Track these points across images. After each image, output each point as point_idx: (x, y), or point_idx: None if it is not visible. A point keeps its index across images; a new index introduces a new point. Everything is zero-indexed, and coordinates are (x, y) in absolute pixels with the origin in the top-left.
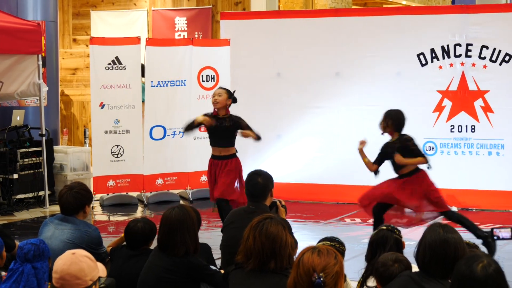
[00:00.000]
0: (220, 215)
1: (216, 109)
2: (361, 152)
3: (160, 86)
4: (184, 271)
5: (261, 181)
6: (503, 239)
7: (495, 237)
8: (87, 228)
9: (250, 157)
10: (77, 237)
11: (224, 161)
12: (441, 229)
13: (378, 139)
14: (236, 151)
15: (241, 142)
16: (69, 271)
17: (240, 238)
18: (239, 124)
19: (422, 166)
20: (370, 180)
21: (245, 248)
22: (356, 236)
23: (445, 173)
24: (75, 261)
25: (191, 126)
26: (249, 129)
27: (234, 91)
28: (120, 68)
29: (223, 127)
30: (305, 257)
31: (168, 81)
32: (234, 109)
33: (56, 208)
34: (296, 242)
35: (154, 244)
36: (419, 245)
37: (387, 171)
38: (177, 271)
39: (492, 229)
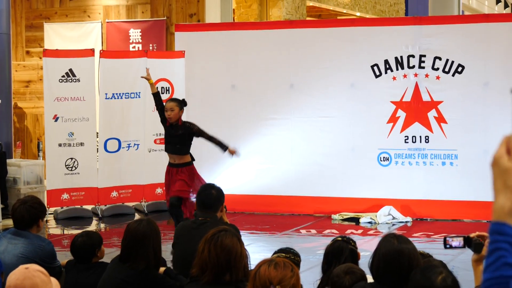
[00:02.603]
0: (172, 217)
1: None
2: None
3: (115, 98)
4: (143, 284)
5: (215, 193)
6: (455, 247)
7: (447, 246)
8: (40, 242)
9: (206, 169)
10: (30, 251)
11: (179, 168)
12: (395, 239)
13: (333, 150)
14: (193, 159)
15: (196, 154)
16: (23, 286)
17: (192, 251)
18: (190, 130)
19: None
20: (326, 191)
21: (200, 261)
22: (312, 247)
23: (400, 183)
24: (28, 275)
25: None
26: (202, 133)
27: (183, 99)
28: (74, 80)
29: (176, 135)
30: (261, 270)
31: (123, 94)
32: (189, 119)
33: (9, 222)
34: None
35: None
36: (374, 255)
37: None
38: (137, 283)
39: (444, 238)
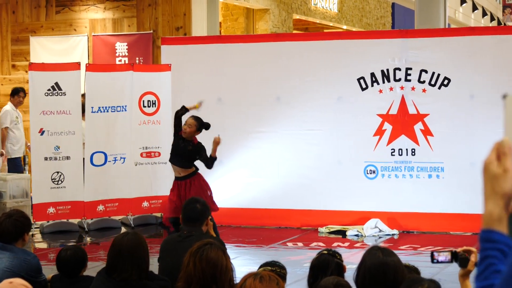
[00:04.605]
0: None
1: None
2: None
3: (101, 111)
4: None
5: (199, 206)
6: (442, 262)
7: (435, 261)
8: (26, 256)
9: None
10: (15, 265)
11: (187, 180)
12: (380, 252)
13: (320, 163)
14: (197, 168)
15: None
16: None
17: (177, 264)
18: (197, 152)
19: None
20: (312, 204)
21: (185, 274)
22: (298, 260)
23: (386, 196)
24: None
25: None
26: (203, 160)
27: (207, 124)
28: (60, 94)
29: (185, 149)
30: (247, 283)
31: (109, 107)
32: None
33: None
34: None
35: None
36: (359, 268)
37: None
38: None
39: (432, 252)
